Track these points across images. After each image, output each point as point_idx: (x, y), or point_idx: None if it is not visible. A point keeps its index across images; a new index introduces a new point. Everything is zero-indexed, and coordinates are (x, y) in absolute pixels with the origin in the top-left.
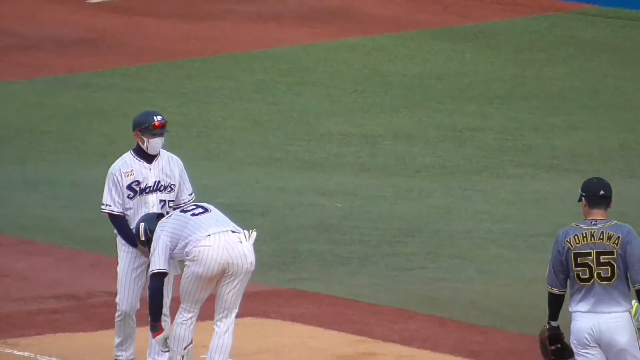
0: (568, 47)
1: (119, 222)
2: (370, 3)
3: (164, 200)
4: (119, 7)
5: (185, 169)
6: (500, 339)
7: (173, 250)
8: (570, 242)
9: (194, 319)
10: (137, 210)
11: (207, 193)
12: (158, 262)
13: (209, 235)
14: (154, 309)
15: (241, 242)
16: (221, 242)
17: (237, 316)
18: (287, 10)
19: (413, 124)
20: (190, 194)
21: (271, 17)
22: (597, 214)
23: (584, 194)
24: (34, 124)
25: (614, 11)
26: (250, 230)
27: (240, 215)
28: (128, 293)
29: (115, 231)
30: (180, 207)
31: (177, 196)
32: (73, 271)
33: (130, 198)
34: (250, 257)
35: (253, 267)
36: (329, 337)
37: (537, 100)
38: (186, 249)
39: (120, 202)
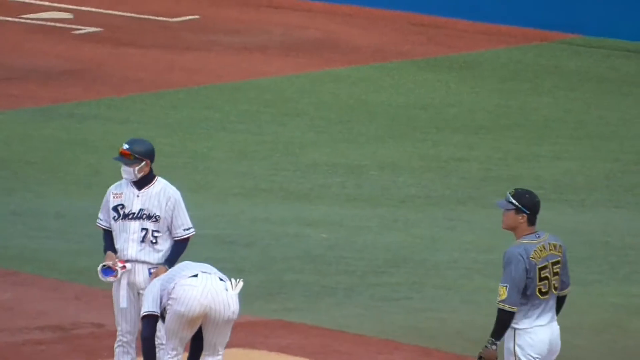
0: (552, 76)
1: (105, 234)
2: (355, 34)
3: (146, 229)
4: (103, 38)
5: (181, 203)
6: None
7: (163, 296)
8: (535, 258)
9: (180, 356)
10: (119, 234)
11: (193, 224)
12: (148, 304)
13: (195, 275)
14: (147, 356)
15: (227, 290)
16: (207, 285)
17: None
18: (272, 41)
19: (398, 154)
20: (187, 229)
21: (256, 48)
22: (534, 227)
23: (528, 212)
24: (19, 155)
25: (599, 41)
26: (238, 280)
27: (225, 247)
28: (122, 317)
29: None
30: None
31: (170, 230)
32: (58, 302)
33: (115, 220)
34: (234, 306)
35: (235, 316)
36: None
37: (522, 130)
38: (170, 286)
39: (108, 218)
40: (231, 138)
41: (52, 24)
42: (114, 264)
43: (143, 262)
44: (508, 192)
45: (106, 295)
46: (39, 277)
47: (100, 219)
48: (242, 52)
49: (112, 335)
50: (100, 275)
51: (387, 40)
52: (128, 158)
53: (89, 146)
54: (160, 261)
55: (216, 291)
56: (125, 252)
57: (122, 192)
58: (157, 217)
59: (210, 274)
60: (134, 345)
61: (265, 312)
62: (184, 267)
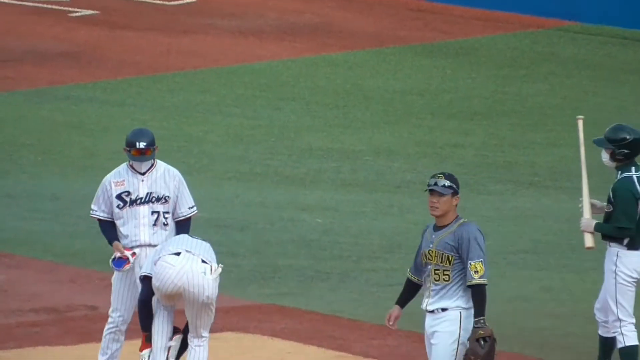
0: (549, 63)
1: (102, 225)
2: (351, 19)
3: (158, 212)
4: (100, 21)
5: (184, 182)
6: None
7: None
8: None
9: (168, 310)
10: (127, 221)
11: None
12: (145, 266)
13: (177, 254)
14: (143, 319)
15: (205, 273)
16: (185, 266)
17: (210, 331)
18: (268, 25)
19: (394, 139)
20: (191, 207)
21: (252, 32)
22: None
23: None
24: (14, 137)
25: (595, 28)
26: (218, 265)
27: (220, 230)
28: (122, 303)
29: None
30: (180, 219)
31: (175, 209)
32: (53, 284)
33: (120, 208)
34: (208, 290)
35: (210, 301)
36: (308, 353)
37: (518, 116)
38: (156, 258)
39: (105, 208)
40: (227, 122)
41: (48, 6)
42: (124, 254)
43: (154, 246)
44: (435, 179)
45: (101, 277)
46: (34, 260)
47: (95, 210)
48: (238, 36)
49: (106, 318)
50: (114, 268)
51: (383, 26)
52: (150, 154)
53: (84, 129)
54: None
55: (193, 273)
56: (137, 238)
57: (123, 180)
58: (166, 197)
59: (193, 254)
60: (124, 332)
61: (259, 297)
62: (175, 241)
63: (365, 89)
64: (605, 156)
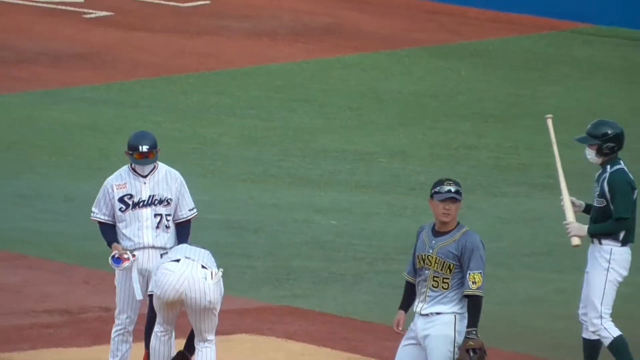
0: (563, 65)
1: (103, 227)
2: (365, 20)
3: (160, 214)
4: (114, 22)
5: (185, 184)
6: (494, 358)
7: None
8: None
9: (169, 335)
10: (130, 223)
11: (201, 209)
12: (152, 284)
13: (177, 260)
14: (149, 337)
15: (205, 278)
16: (185, 272)
17: (222, 334)
18: (282, 27)
19: (408, 141)
20: (191, 209)
21: (266, 34)
22: None
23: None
24: (27, 138)
25: (609, 30)
26: (219, 270)
27: (234, 232)
28: (127, 304)
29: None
30: (180, 221)
31: (176, 211)
32: (66, 286)
33: (122, 211)
34: (210, 295)
35: (212, 305)
36: (322, 355)
37: (532, 119)
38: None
39: (106, 211)
40: (241, 124)
41: (63, 7)
42: (121, 254)
43: (157, 248)
44: (448, 186)
45: (114, 278)
46: (47, 261)
47: (96, 212)
48: (252, 37)
49: None
50: (112, 265)
51: (398, 27)
52: (152, 157)
53: (98, 130)
54: (172, 245)
55: (193, 279)
56: (140, 240)
57: (125, 182)
58: (169, 200)
59: (193, 260)
60: (132, 332)
61: (273, 298)
62: (174, 251)
63: (380, 91)
64: (590, 153)
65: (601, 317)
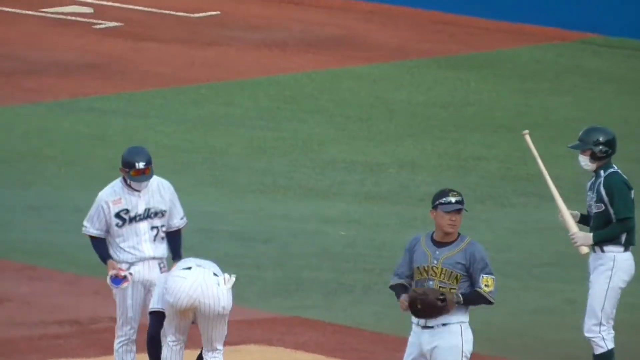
0: (573, 76)
1: (95, 242)
2: (375, 31)
3: (157, 227)
4: (124, 33)
5: (176, 193)
6: None
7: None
8: None
9: (180, 345)
10: (128, 238)
11: (211, 220)
12: (154, 301)
13: (188, 268)
14: (152, 356)
15: (219, 284)
16: (198, 278)
17: (232, 344)
18: (292, 37)
19: (417, 152)
20: (182, 218)
21: (276, 45)
22: None
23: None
24: (37, 149)
25: (620, 41)
26: (231, 275)
27: (243, 243)
28: (129, 317)
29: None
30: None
31: (167, 221)
32: (76, 296)
33: (120, 227)
34: (224, 301)
35: (226, 311)
36: None
37: (542, 129)
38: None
39: (99, 226)
40: (250, 134)
41: (73, 18)
42: (118, 273)
43: (157, 259)
44: (454, 197)
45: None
46: (57, 271)
47: (88, 227)
48: (262, 48)
49: None
50: (112, 287)
51: (407, 38)
52: (149, 173)
53: (108, 140)
54: (166, 253)
55: (207, 285)
56: (141, 254)
57: (119, 197)
58: (163, 212)
59: (204, 268)
60: (135, 341)
61: (283, 309)
62: (182, 262)
63: (389, 102)
64: (584, 160)
65: (600, 324)
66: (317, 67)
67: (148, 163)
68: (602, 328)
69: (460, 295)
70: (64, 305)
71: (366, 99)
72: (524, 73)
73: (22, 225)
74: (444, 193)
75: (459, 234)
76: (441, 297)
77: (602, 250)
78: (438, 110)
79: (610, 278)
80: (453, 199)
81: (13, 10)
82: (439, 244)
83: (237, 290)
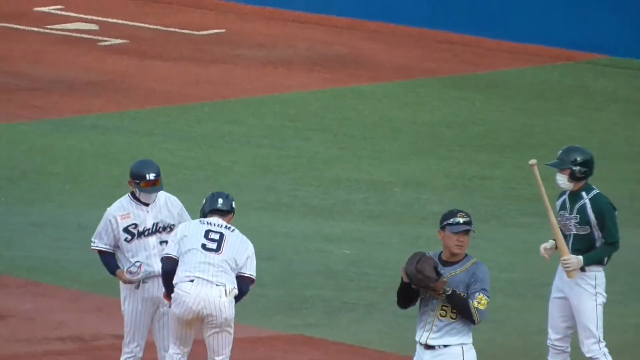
0: (578, 96)
1: (103, 256)
2: (380, 50)
3: (165, 241)
4: (129, 50)
5: (184, 209)
6: None
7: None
8: None
9: (184, 358)
10: (137, 253)
11: None
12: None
13: (191, 281)
14: (167, 287)
15: (220, 296)
16: (201, 292)
17: None
18: (297, 55)
19: (422, 171)
20: None
21: (281, 63)
22: None
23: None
24: (41, 166)
25: (624, 61)
26: (232, 287)
27: None
28: (138, 333)
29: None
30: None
31: None
32: (79, 313)
33: (128, 241)
34: (226, 312)
35: (228, 323)
36: None
37: (546, 149)
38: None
39: (107, 241)
40: (255, 152)
41: (78, 35)
42: (131, 279)
43: None
44: (461, 217)
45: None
46: (60, 288)
47: (96, 242)
48: (267, 66)
49: None
50: (133, 276)
51: (412, 57)
52: (159, 184)
53: (112, 158)
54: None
55: (209, 298)
56: (150, 269)
57: (128, 212)
58: (171, 226)
59: (206, 280)
60: (142, 358)
61: (286, 327)
62: (189, 261)
63: (394, 121)
64: (562, 179)
65: (599, 341)
66: (322, 86)
67: (157, 174)
68: (601, 345)
69: (451, 290)
70: (67, 322)
71: (371, 117)
72: (528, 93)
73: (25, 242)
74: (452, 214)
75: (465, 254)
76: (438, 270)
77: (584, 270)
78: (443, 129)
79: (595, 296)
80: (461, 220)
81: (18, 27)
82: (445, 263)
83: (239, 309)
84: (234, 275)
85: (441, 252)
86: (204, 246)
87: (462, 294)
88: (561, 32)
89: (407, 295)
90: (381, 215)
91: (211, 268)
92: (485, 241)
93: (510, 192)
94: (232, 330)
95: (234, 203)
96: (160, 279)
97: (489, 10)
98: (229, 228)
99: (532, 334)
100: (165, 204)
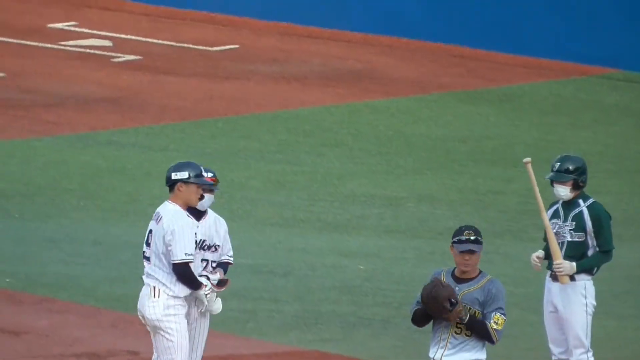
0: (592, 111)
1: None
2: (394, 65)
3: (207, 260)
4: (143, 66)
5: (228, 231)
6: None
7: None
8: None
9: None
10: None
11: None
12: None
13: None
14: (189, 284)
15: (149, 297)
16: (141, 291)
17: None
18: (311, 71)
19: (436, 186)
20: (230, 256)
21: (295, 78)
22: None
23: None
24: (56, 181)
25: (638, 76)
26: (163, 285)
27: (262, 276)
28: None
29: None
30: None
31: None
32: (94, 329)
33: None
34: (148, 312)
35: (155, 324)
36: None
37: None
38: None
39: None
40: (269, 168)
41: (92, 51)
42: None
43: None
44: (467, 236)
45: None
46: (75, 304)
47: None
48: (281, 81)
49: None
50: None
51: (426, 72)
52: (217, 184)
53: (126, 174)
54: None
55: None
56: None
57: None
58: (217, 246)
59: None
60: None
61: (301, 343)
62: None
63: (408, 136)
64: (564, 190)
65: (588, 350)
66: (336, 101)
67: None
68: (589, 354)
69: (468, 317)
70: (82, 338)
71: (385, 132)
72: (543, 108)
73: (40, 258)
74: (460, 231)
75: (480, 271)
76: (452, 301)
77: (573, 279)
78: (457, 144)
79: (586, 306)
80: (465, 238)
81: (32, 43)
82: (459, 280)
83: (255, 324)
84: (169, 268)
85: (455, 269)
86: (146, 240)
87: (477, 314)
88: (575, 46)
89: (423, 316)
90: (396, 230)
91: (145, 263)
92: (500, 256)
93: (524, 206)
94: (169, 336)
95: (174, 174)
96: (197, 300)
97: (502, 25)
98: (157, 218)
99: (548, 349)
100: (215, 223)
